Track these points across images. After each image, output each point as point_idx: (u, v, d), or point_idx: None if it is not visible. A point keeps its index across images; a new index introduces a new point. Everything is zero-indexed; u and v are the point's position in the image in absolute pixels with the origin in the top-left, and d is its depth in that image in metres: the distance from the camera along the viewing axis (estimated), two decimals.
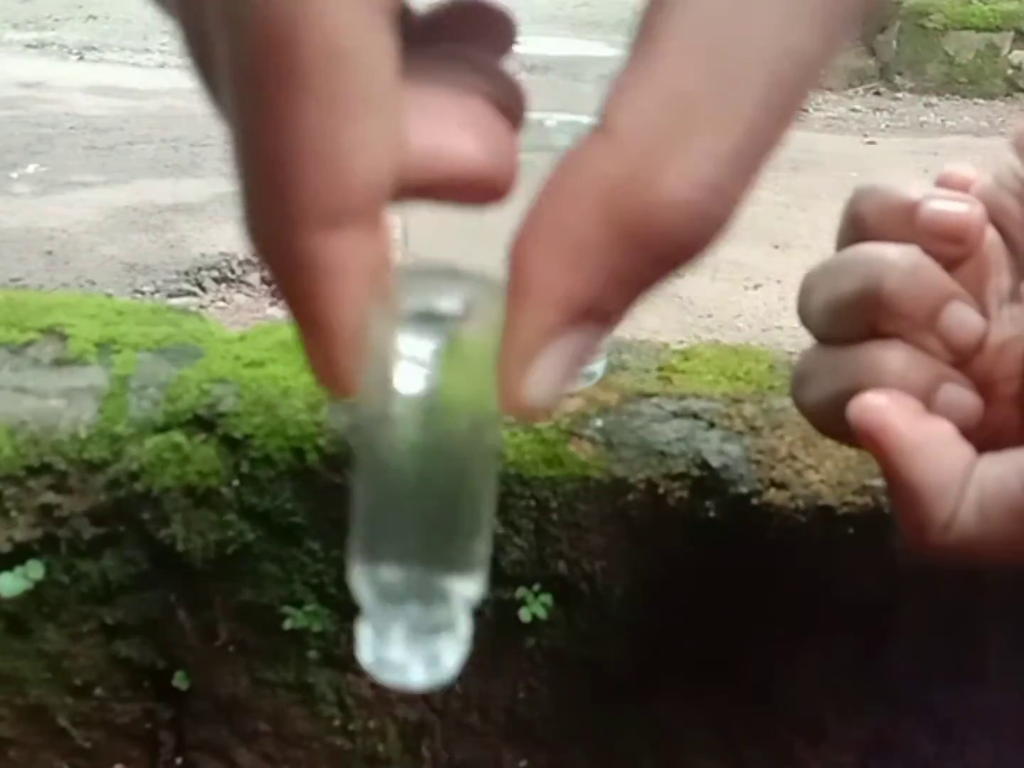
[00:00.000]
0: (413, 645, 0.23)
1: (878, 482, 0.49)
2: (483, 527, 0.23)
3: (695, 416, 0.52)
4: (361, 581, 0.22)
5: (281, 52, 0.17)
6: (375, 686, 0.56)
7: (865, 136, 4.25)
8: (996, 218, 0.33)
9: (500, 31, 0.22)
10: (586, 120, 0.38)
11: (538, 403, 0.21)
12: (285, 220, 0.19)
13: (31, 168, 3.01)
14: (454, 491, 0.22)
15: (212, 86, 0.20)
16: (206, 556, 0.54)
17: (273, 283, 0.21)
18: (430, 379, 0.21)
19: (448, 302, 0.21)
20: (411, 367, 0.21)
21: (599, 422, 0.51)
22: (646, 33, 0.19)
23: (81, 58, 4.88)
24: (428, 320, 0.21)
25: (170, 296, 2.26)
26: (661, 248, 0.19)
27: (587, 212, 0.20)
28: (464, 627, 0.23)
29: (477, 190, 0.22)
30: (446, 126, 0.21)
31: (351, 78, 0.18)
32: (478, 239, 0.45)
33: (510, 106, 0.22)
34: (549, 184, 0.20)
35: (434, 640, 0.23)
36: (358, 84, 0.18)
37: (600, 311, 0.21)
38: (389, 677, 0.23)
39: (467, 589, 0.22)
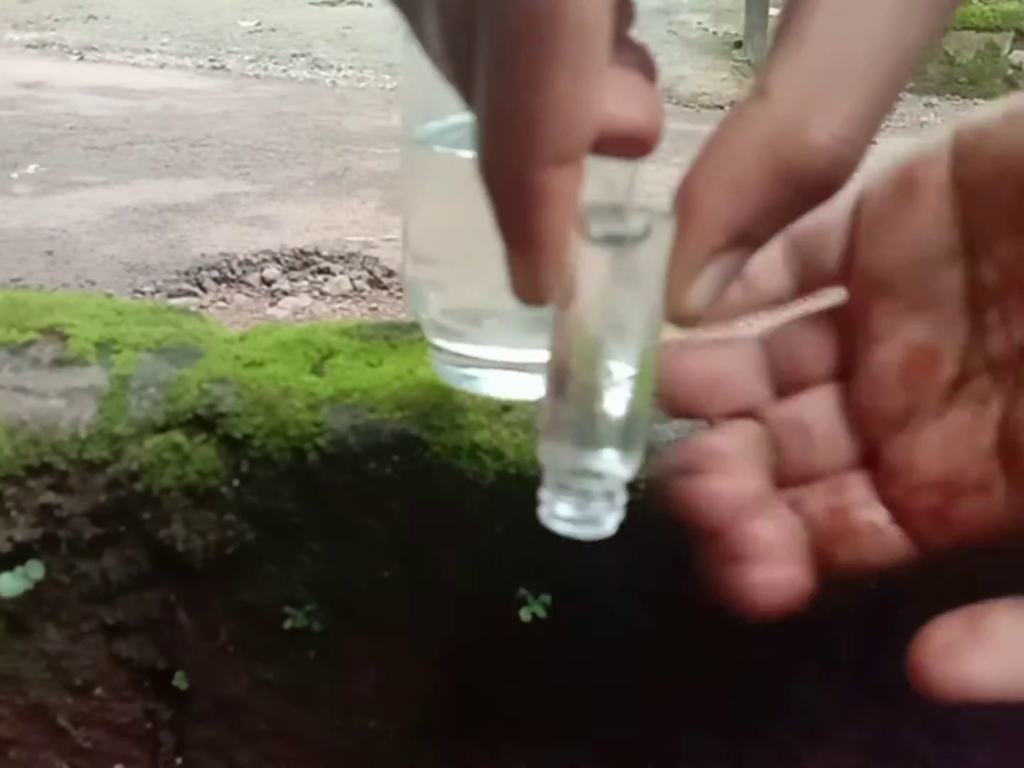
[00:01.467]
0: (580, 507, 0.29)
1: None
2: (643, 421, 0.28)
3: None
4: (545, 455, 0.28)
5: (543, 30, 0.22)
6: (375, 686, 0.56)
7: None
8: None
9: (626, 7, 0.28)
10: None
11: (697, 310, 0.27)
12: (525, 158, 0.25)
13: (31, 168, 3.01)
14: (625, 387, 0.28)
15: (457, 62, 0.26)
16: (206, 556, 0.54)
17: (496, 213, 0.26)
18: (611, 291, 0.27)
19: (628, 228, 0.26)
20: (596, 281, 0.27)
21: None
22: (792, 21, 0.25)
23: (81, 58, 4.88)
24: (612, 242, 0.26)
25: (170, 296, 2.26)
26: (805, 185, 0.25)
27: (748, 154, 0.25)
28: (621, 497, 0.30)
29: (636, 146, 0.27)
30: (619, 96, 0.26)
31: (593, 50, 0.23)
32: (476, 239, 0.45)
33: (650, 74, 0.28)
34: (716, 133, 0.26)
35: (597, 504, 0.29)
36: (596, 55, 0.24)
37: (752, 237, 0.26)
38: (560, 529, 0.29)
39: (624, 470, 0.29)
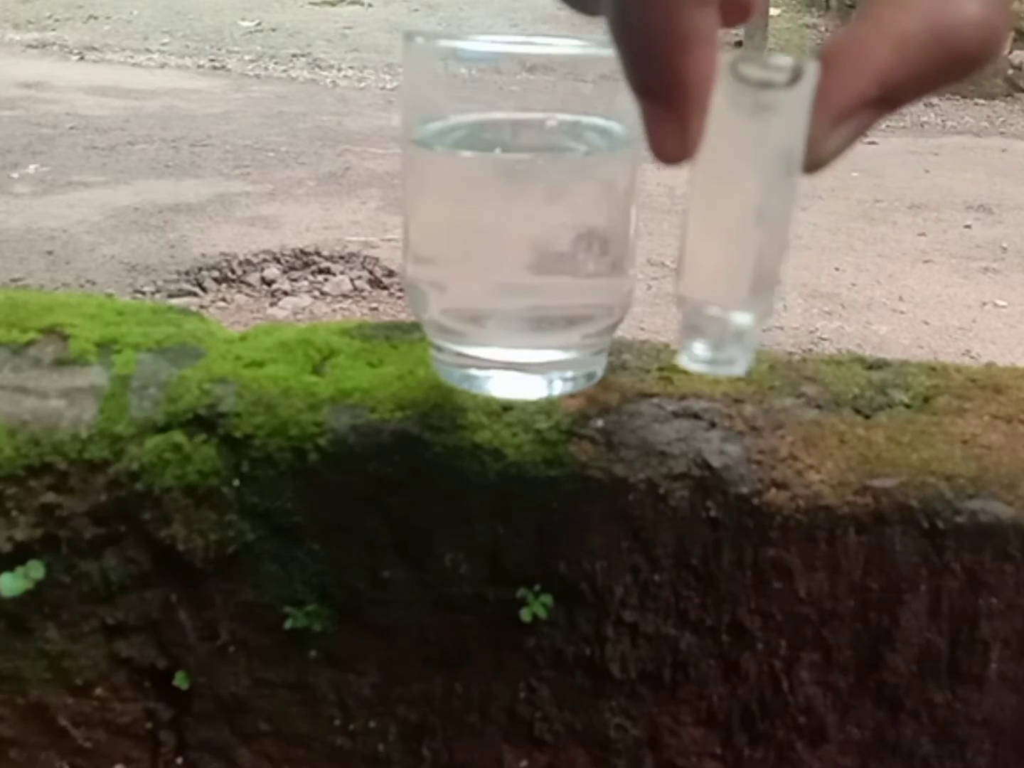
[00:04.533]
0: (716, 348, 0.30)
1: (878, 482, 0.49)
2: (776, 267, 0.29)
3: (696, 416, 0.52)
4: (681, 301, 0.30)
5: None
6: (375, 686, 0.56)
7: (865, 136, 4.25)
8: None
9: None
10: (586, 120, 0.40)
11: (830, 158, 0.29)
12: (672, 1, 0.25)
13: (32, 168, 3.01)
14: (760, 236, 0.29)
15: None
16: (207, 556, 0.54)
17: (638, 67, 0.27)
18: (756, 136, 0.28)
19: (777, 73, 0.27)
20: (742, 128, 0.28)
21: (599, 422, 0.52)
22: None
23: (82, 58, 4.88)
24: (762, 84, 0.27)
25: (171, 296, 2.26)
26: (960, 50, 0.27)
27: (914, 15, 0.27)
28: (752, 339, 0.31)
29: (742, 10, 0.28)
30: None
31: None
32: (477, 239, 0.45)
33: None
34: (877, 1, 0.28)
35: (730, 346, 0.31)
36: None
37: (895, 97, 0.28)
38: (697, 369, 0.31)
39: (756, 313, 0.30)
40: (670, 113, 0.27)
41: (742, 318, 0.30)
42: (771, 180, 0.28)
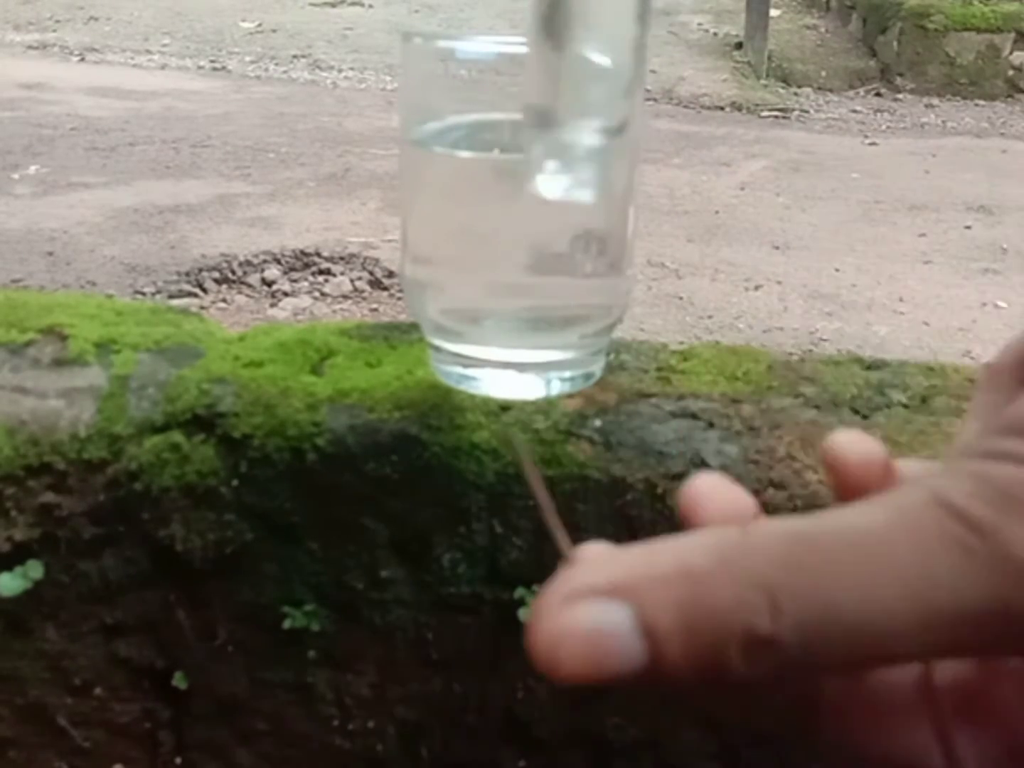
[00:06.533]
0: (568, 168, 0.29)
1: None
2: (625, 77, 0.28)
3: (694, 416, 0.52)
4: (527, 127, 0.28)
5: None
6: (374, 686, 0.56)
7: (866, 137, 4.25)
8: None
9: None
10: None
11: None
12: None
13: (32, 169, 3.01)
14: None
15: None
16: (205, 556, 0.54)
17: None
18: None
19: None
20: None
21: (598, 422, 0.52)
22: None
23: (82, 59, 4.88)
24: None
25: (171, 297, 2.26)
26: None
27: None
28: (603, 160, 0.29)
29: None
30: None
31: None
32: (475, 240, 0.45)
33: None
34: None
35: (578, 167, 0.29)
36: None
37: None
38: (551, 194, 0.29)
39: (596, 129, 0.28)
40: None
41: (588, 127, 0.28)
42: None
